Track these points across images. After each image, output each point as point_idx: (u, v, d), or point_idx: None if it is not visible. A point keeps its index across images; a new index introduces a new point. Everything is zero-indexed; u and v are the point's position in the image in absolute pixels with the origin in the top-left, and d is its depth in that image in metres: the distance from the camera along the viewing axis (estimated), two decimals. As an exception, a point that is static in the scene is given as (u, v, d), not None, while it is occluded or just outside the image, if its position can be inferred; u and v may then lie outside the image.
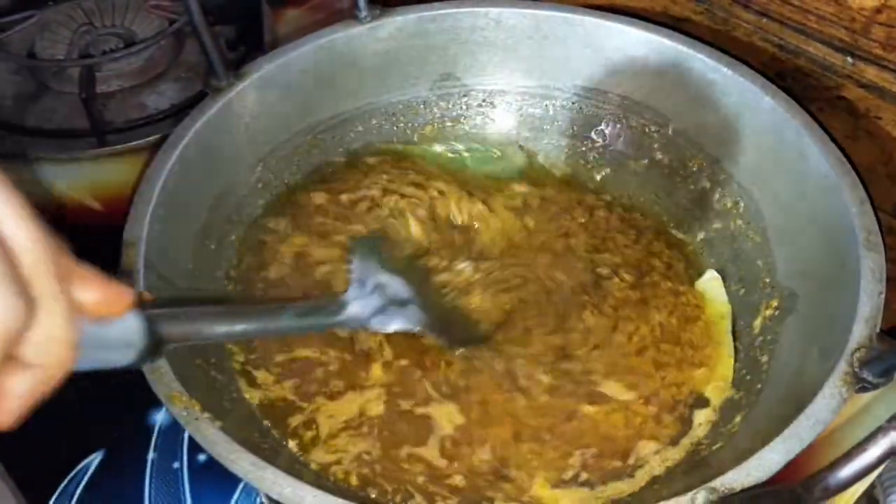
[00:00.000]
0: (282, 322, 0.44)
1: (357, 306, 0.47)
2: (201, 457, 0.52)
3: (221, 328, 0.40)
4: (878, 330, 0.43)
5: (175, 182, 0.51)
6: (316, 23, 0.80)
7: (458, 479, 0.48)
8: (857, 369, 0.41)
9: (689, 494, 0.37)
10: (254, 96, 0.57)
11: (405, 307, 0.49)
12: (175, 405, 0.41)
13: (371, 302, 0.48)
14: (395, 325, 0.49)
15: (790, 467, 0.39)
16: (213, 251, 0.54)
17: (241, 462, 0.39)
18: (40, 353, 0.27)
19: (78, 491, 0.51)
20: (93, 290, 0.30)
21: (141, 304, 0.33)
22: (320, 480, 0.46)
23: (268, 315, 0.44)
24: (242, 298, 0.55)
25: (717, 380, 0.52)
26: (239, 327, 0.41)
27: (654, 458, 0.48)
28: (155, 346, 0.34)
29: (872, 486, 0.57)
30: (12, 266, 0.26)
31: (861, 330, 0.43)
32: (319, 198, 0.60)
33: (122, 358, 0.33)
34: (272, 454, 0.45)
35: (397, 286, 0.50)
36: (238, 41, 0.77)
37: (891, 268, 0.58)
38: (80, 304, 0.29)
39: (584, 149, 0.65)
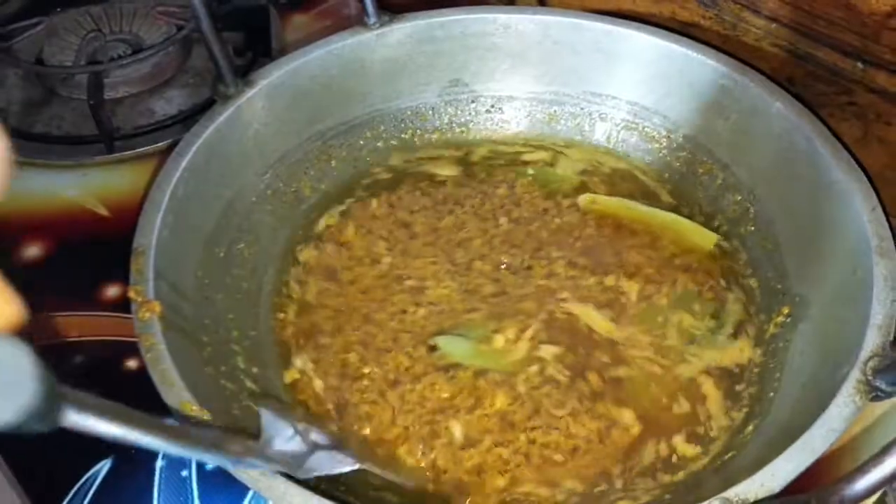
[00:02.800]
0: (186, 446, 0.36)
1: (279, 446, 0.40)
2: (210, 465, 0.52)
3: (119, 429, 0.32)
4: (891, 337, 0.43)
5: (184, 189, 0.51)
6: (324, 29, 0.80)
7: None
8: (870, 377, 0.41)
9: (702, 505, 0.37)
10: (262, 103, 0.57)
11: (336, 450, 0.43)
12: (185, 413, 0.41)
13: (293, 446, 0.41)
14: (338, 467, 0.42)
15: (805, 477, 0.39)
16: (221, 259, 0.54)
17: (248, 471, 0.39)
18: None
19: (86, 500, 0.51)
20: None
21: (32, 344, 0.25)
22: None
23: (174, 435, 0.36)
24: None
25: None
26: (138, 436, 0.33)
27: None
28: (48, 407, 0.26)
29: (884, 493, 0.57)
30: None
31: (874, 338, 0.42)
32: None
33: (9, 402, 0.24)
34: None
35: (316, 434, 0.42)
36: (246, 47, 0.77)
37: (902, 274, 0.58)
38: None
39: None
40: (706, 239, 0.58)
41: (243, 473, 0.39)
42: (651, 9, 0.65)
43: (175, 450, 0.37)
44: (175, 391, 0.42)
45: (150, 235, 0.48)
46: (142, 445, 0.34)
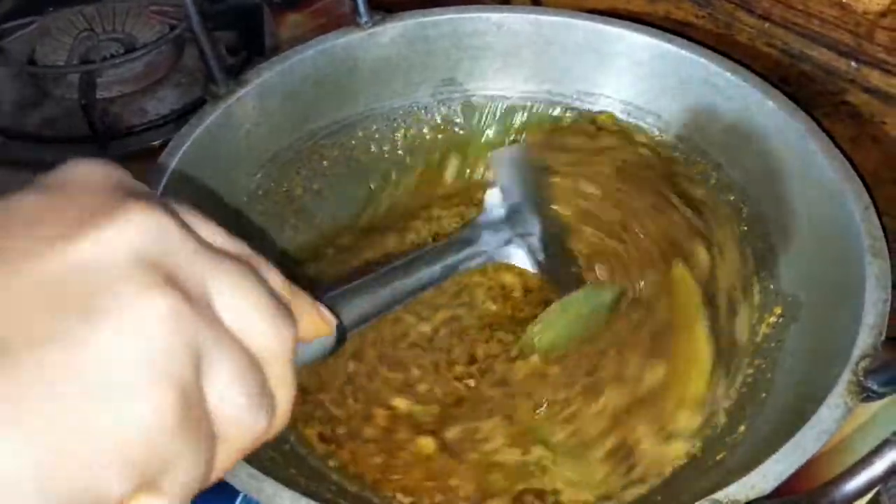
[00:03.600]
0: (427, 269, 0.46)
1: (486, 235, 0.51)
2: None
3: (387, 293, 0.41)
4: (883, 338, 0.43)
5: (174, 190, 0.51)
6: (318, 27, 0.80)
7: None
8: (861, 378, 0.41)
9: (692, 507, 0.37)
10: (254, 103, 0.57)
11: (528, 239, 0.53)
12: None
13: (498, 233, 0.52)
14: (516, 260, 0.53)
15: (799, 477, 0.38)
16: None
17: (238, 473, 0.38)
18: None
19: None
20: (308, 324, 0.29)
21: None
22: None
23: (409, 269, 0.45)
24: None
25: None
26: (401, 286, 0.42)
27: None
28: (342, 338, 0.35)
29: (878, 493, 0.57)
30: (261, 374, 0.25)
31: (866, 338, 0.42)
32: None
33: (316, 358, 0.33)
34: (272, 465, 0.44)
35: (526, 218, 0.53)
36: (240, 46, 0.77)
37: (897, 273, 0.58)
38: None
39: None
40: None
41: (232, 478, 0.39)
42: (645, 8, 0.65)
43: (427, 281, 0.45)
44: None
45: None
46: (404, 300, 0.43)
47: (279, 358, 0.26)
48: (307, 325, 0.29)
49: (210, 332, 0.23)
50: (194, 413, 0.22)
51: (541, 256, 0.54)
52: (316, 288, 0.33)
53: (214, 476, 0.25)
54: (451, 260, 0.48)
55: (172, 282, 0.22)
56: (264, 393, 0.25)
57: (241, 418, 0.24)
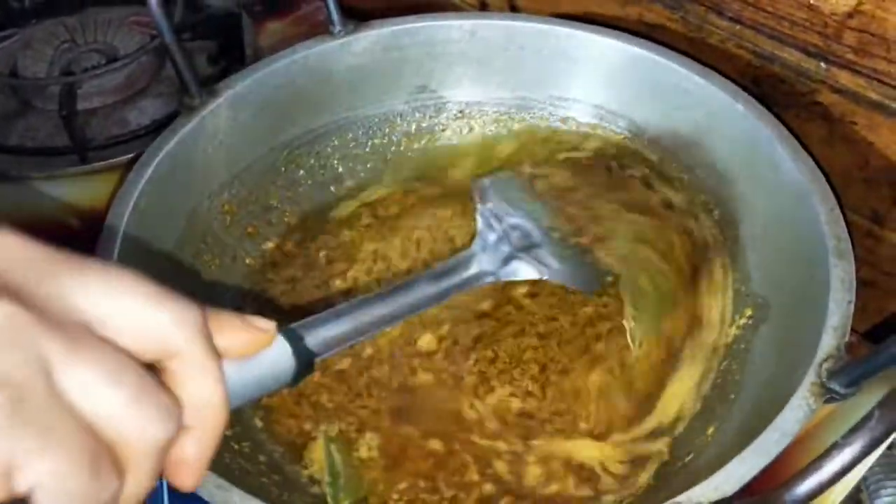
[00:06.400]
0: (419, 293, 0.44)
1: (485, 259, 0.48)
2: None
3: (366, 319, 0.40)
4: (846, 339, 0.43)
5: (147, 202, 0.51)
6: (298, 36, 0.80)
7: None
8: (824, 380, 0.41)
9: (655, 510, 0.37)
10: (228, 113, 0.57)
11: (533, 251, 0.51)
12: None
13: (498, 253, 0.49)
14: (523, 273, 0.50)
15: (770, 475, 0.39)
16: (186, 270, 0.54)
17: (205, 485, 0.39)
18: (198, 418, 0.26)
19: (56, 511, 0.51)
20: (233, 335, 0.29)
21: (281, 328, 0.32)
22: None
23: (402, 292, 0.43)
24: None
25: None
26: (380, 312, 0.41)
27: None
28: (307, 362, 0.34)
29: (857, 489, 0.57)
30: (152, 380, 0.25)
31: (829, 340, 0.42)
32: None
33: (277, 383, 0.32)
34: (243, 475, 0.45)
35: (526, 229, 0.51)
36: (220, 56, 0.78)
37: (871, 271, 0.58)
38: (224, 351, 0.28)
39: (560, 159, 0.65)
40: None
41: (199, 488, 0.39)
42: (618, 12, 0.65)
43: (414, 306, 0.43)
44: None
45: (111, 248, 0.48)
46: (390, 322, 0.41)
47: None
48: (232, 337, 0.29)
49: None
50: (33, 413, 0.22)
51: (554, 262, 0.53)
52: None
53: None
54: (444, 285, 0.47)
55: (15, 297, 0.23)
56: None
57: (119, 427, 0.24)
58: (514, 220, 0.54)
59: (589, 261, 0.55)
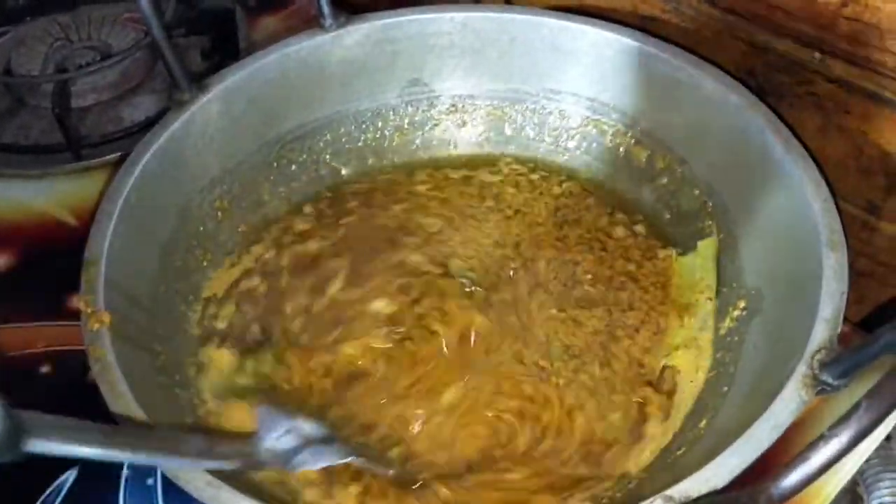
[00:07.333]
0: (181, 455, 0.39)
1: (272, 443, 0.42)
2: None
3: (99, 449, 0.33)
4: (839, 331, 0.43)
5: (137, 198, 0.51)
6: (291, 29, 0.79)
7: None
8: (817, 371, 0.41)
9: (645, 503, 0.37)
10: (218, 108, 0.57)
11: (328, 444, 0.44)
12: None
13: (286, 442, 0.43)
14: (324, 461, 0.44)
15: (763, 467, 0.38)
16: (178, 267, 0.54)
17: (195, 481, 0.39)
18: None
19: (51, 510, 0.51)
20: None
21: None
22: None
23: (166, 444, 0.39)
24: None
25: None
26: (115, 453, 0.35)
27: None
28: (12, 439, 0.29)
29: (854, 482, 0.57)
30: None
31: (821, 331, 0.42)
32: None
33: None
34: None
35: (311, 427, 0.44)
36: (213, 51, 0.77)
37: (867, 262, 0.58)
38: None
39: (553, 151, 0.65)
40: None
41: (188, 484, 0.39)
42: (613, 4, 0.65)
43: (160, 462, 0.39)
44: (123, 402, 0.42)
45: (101, 245, 0.48)
46: (121, 461, 0.35)
47: None
48: None
49: None
50: None
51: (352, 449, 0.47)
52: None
53: None
54: (217, 457, 0.41)
55: None
56: None
57: None
58: (293, 423, 0.45)
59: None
